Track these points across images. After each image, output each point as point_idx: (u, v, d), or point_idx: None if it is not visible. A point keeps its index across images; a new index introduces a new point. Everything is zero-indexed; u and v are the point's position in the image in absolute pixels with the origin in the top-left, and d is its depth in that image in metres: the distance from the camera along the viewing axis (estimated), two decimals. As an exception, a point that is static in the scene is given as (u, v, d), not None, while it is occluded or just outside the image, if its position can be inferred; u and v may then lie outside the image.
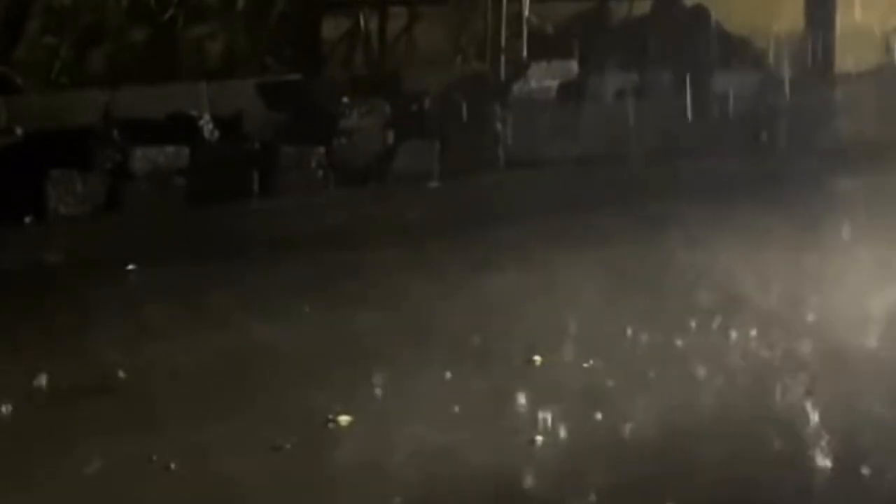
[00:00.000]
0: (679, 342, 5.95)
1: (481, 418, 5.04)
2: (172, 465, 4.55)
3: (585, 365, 5.63)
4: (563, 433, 4.90)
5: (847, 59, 11.48)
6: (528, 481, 4.56)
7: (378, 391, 5.32)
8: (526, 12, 10.47)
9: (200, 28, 9.71)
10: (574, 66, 10.44)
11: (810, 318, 6.34)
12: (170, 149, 8.55)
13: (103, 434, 4.83)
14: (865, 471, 4.59)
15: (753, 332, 6.10)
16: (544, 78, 10.28)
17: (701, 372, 5.58)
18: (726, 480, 4.55)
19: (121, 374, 5.46)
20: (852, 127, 10.85)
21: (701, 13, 11.30)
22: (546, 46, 10.52)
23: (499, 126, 9.84)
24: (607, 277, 6.99)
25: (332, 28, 10.27)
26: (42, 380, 5.36)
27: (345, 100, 9.34)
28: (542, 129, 9.95)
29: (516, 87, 10.12)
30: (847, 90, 11.29)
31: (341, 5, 10.38)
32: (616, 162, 9.73)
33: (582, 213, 8.45)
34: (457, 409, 5.12)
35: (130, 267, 7.06)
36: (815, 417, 5.12)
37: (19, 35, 9.00)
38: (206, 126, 8.76)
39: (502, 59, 10.21)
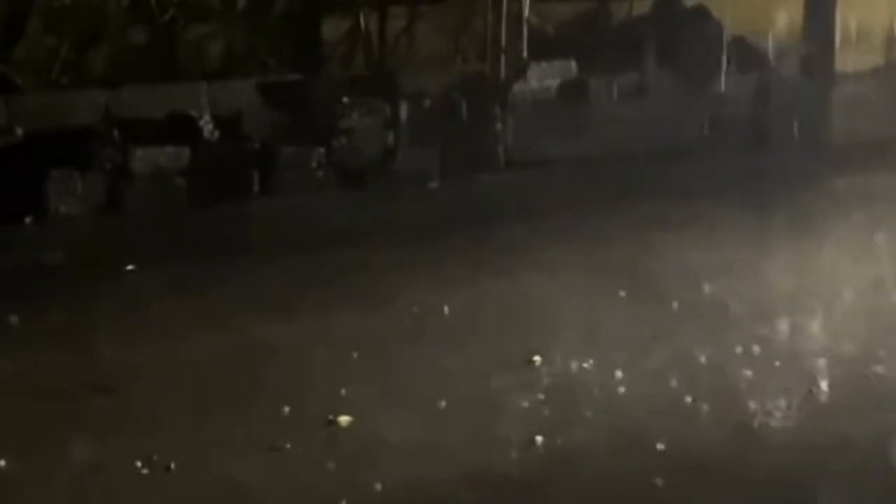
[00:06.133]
0: (679, 342, 5.96)
1: (481, 418, 5.05)
2: (172, 465, 4.56)
3: (585, 365, 5.63)
4: (562, 433, 4.90)
5: (847, 59, 11.47)
6: (528, 481, 4.56)
7: (378, 391, 5.32)
8: (526, 12, 10.46)
9: (200, 28, 9.70)
10: (574, 66, 10.43)
11: (809, 318, 6.34)
12: (170, 149, 8.55)
13: (103, 433, 4.84)
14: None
15: (754, 332, 6.11)
16: (544, 78, 10.28)
17: (701, 372, 5.59)
18: (728, 481, 4.55)
19: (121, 373, 5.47)
20: (852, 127, 10.85)
21: (701, 13, 11.30)
22: (546, 46, 10.51)
23: (499, 126, 9.83)
24: (607, 277, 6.99)
25: (332, 28, 10.27)
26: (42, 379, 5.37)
27: (345, 100, 9.33)
28: (542, 129, 9.95)
29: (516, 87, 10.12)
30: (847, 90, 11.28)
31: (341, 5, 10.37)
32: (616, 162, 9.74)
33: (582, 213, 8.45)
34: (456, 409, 5.13)
35: (130, 267, 7.06)
36: (817, 416, 5.13)
37: (19, 35, 9.00)
38: (206, 126, 8.76)
39: (502, 59, 10.20)
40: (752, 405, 5.21)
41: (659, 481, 4.52)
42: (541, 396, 5.27)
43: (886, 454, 4.79)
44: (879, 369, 5.67)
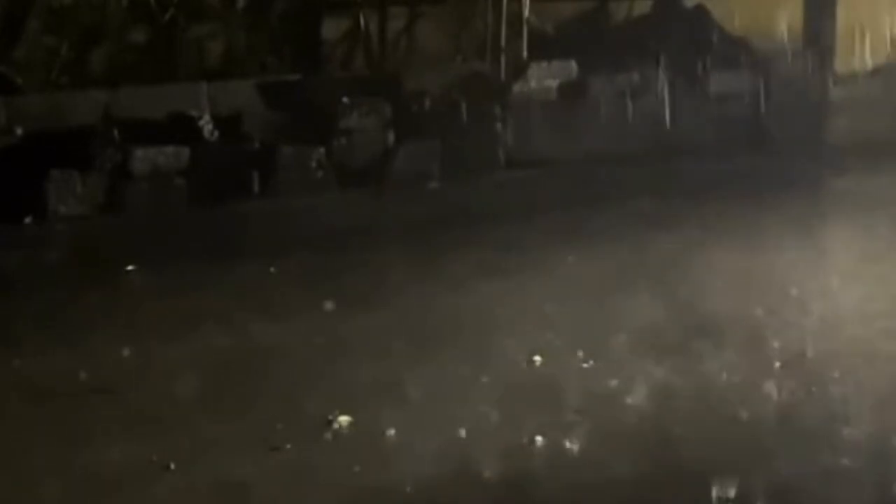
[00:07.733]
0: (678, 342, 5.96)
1: (481, 418, 5.05)
2: (172, 465, 4.56)
3: (585, 365, 5.64)
4: (563, 433, 4.90)
5: (847, 59, 11.48)
6: (529, 482, 4.56)
7: (378, 391, 5.32)
8: (526, 12, 10.46)
9: (200, 28, 9.70)
10: (574, 66, 10.43)
11: (809, 317, 6.35)
12: (170, 149, 8.55)
13: (103, 434, 4.84)
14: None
15: (754, 332, 6.11)
16: (544, 78, 10.27)
17: (700, 371, 5.59)
18: (726, 478, 4.55)
19: (120, 373, 5.47)
20: (852, 127, 10.85)
21: (701, 13, 11.30)
22: (546, 46, 10.51)
23: (499, 126, 9.83)
24: (607, 277, 6.99)
25: (332, 28, 10.27)
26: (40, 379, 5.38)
27: (345, 100, 9.33)
28: (542, 129, 9.95)
29: (516, 87, 10.12)
30: (847, 90, 11.29)
31: (341, 5, 10.37)
32: (616, 162, 9.73)
33: (582, 213, 8.46)
34: (456, 409, 5.13)
35: (130, 267, 7.06)
36: (820, 414, 5.14)
37: (19, 35, 9.00)
38: (206, 126, 8.75)
39: (502, 59, 10.20)
40: (764, 395, 5.23)
41: (661, 482, 4.52)
42: (541, 396, 5.27)
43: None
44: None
